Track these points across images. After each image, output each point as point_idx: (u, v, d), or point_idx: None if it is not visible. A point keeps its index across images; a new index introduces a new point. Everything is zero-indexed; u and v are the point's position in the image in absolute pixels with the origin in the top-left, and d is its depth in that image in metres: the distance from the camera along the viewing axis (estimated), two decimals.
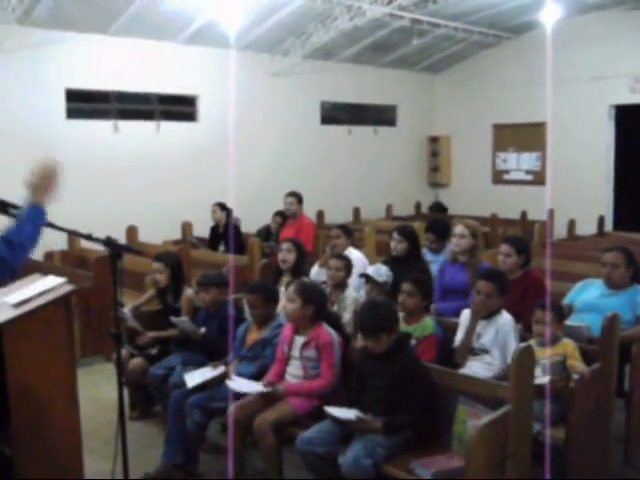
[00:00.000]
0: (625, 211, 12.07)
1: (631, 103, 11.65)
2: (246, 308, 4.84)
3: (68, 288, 3.17)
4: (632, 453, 4.44)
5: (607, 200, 12.25)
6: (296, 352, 4.26)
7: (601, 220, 10.85)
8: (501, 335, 4.14)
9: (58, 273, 3.14)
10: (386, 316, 3.87)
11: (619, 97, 11.84)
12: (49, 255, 8.50)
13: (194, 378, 4.53)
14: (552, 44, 10.66)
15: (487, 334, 4.19)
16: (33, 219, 2.84)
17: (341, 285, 5.17)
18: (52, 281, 3.06)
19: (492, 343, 4.14)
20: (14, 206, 2.93)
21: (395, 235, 5.72)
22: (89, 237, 3.12)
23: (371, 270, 5.06)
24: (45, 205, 2.92)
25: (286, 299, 4.31)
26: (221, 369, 4.56)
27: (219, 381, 4.47)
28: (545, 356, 3.90)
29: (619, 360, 4.15)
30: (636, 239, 9.07)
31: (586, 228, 10.73)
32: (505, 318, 4.22)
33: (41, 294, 2.95)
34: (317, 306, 4.27)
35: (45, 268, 6.38)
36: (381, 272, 4.98)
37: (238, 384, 4.20)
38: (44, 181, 2.93)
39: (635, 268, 4.88)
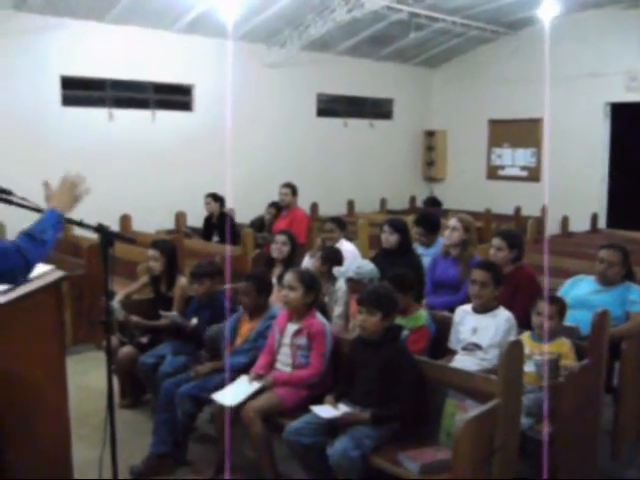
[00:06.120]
0: (619, 209, 12.09)
1: (626, 101, 11.66)
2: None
3: (58, 275, 3.17)
4: (619, 448, 4.47)
5: (601, 197, 12.26)
6: (287, 339, 4.25)
7: (595, 217, 10.87)
8: (501, 333, 4.12)
9: (49, 260, 3.12)
10: (387, 297, 3.91)
11: (615, 95, 11.84)
12: None
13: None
14: (549, 41, 10.63)
15: (485, 331, 4.17)
16: (54, 223, 2.81)
17: (324, 276, 5.14)
18: (41, 268, 3.05)
19: (490, 341, 4.12)
20: (5, 191, 2.90)
21: (386, 227, 5.68)
22: (80, 223, 3.09)
23: (351, 270, 4.92)
24: (66, 213, 2.92)
25: (286, 286, 4.30)
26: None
27: (210, 372, 4.48)
28: (540, 351, 3.90)
29: (609, 356, 4.16)
30: (629, 237, 9.07)
31: (579, 225, 10.77)
32: (504, 315, 4.20)
33: (30, 280, 2.93)
34: (316, 294, 4.34)
35: None
36: (362, 272, 4.85)
37: (233, 395, 4.09)
38: (70, 191, 2.96)
39: (628, 267, 4.89)
